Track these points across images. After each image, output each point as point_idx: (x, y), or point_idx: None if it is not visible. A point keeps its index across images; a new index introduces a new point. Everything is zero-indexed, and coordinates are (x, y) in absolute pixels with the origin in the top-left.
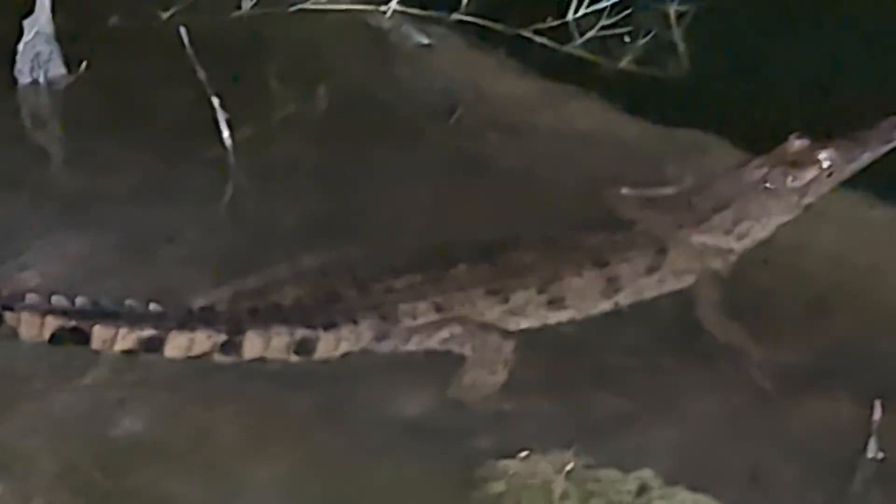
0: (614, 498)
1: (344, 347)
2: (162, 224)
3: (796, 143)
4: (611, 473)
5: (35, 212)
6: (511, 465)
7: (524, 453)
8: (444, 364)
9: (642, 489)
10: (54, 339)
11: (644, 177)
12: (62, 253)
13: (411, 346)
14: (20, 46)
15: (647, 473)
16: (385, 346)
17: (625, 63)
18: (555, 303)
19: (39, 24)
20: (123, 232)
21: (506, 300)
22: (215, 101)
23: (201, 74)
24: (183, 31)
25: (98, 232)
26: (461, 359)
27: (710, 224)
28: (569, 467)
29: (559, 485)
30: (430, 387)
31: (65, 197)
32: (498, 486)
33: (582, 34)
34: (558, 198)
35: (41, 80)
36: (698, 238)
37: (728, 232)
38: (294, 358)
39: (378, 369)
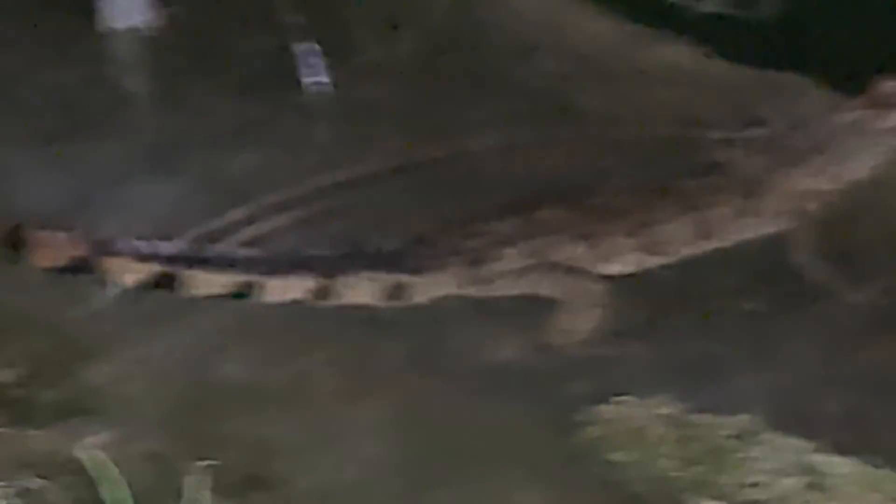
0: (712, 443)
1: (436, 292)
2: (250, 168)
3: (888, 85)
4: (708, 418)
5: (124, 158)
6: (608, 409)
7: (621, 398)
8: (536, 309)
9: (740, 434)
10: (148, 284)
11: (734, 120)
12: (152, 198)
13: (502, 290)
14: None
15: (744, 419)
16: (476, 291)
17: (711, 4)
18: (646, 247)
19: None
20: (212, 177)
21: (596, 245)
22: (302, 47)
23: (288, 18)
24: None
25: (187, 177)
26: (553, 304)
27: (803, 166)
28: (666, 412)
29: (656, 429)
30: (522, 332)
31: (154, 143)
32: (595, 431)
33: None
34: (646, 141)
35: (128, 25)
36: (791, 180)
37: (821, 173)
38: (386, 303)
39: (469, 314)
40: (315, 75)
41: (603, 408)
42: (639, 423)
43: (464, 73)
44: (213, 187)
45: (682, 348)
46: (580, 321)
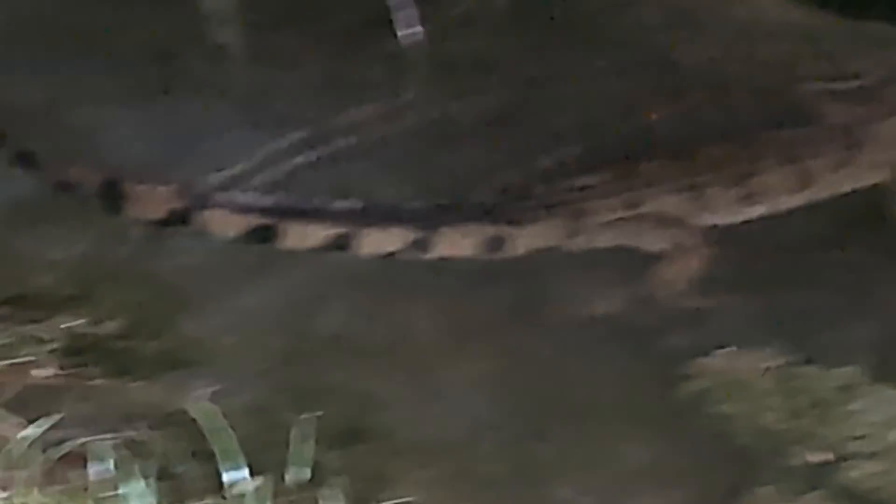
0: (818, 395)
1: (535, 245)
2: (344, 120)
3: None
4: (813, 370)
5: (218, 110)
6: (713, 362)
7: (725, 350)
8: (636, 261)
9: (846, 386)
10: (246, 236)
11: (832, 70)
12: (246, 150)
13: (602, 242)
14: None
15: (850, 370)
16: (575, 243)
17: None
18: (747, 198)
19: None
20: (306, 128)
21: (697, 196)
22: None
23: None
24: None
25: (281, 128)
26: (652, 256)
27: None
28: (771, 364)
29: (762, 382)
30: (622, 284)
31: (248, 96)
32: (700, 384)
33: None
34: (745, 92)
35: None
36: (891, 131)
37: None
38: (485, 255)
39: (569, 267)
40: (409, 27)
41: (706, 360)
42: (743, 375)
43: (560, 23)
44: (307, 140)
45: (783, 299)
46: (680, 273)
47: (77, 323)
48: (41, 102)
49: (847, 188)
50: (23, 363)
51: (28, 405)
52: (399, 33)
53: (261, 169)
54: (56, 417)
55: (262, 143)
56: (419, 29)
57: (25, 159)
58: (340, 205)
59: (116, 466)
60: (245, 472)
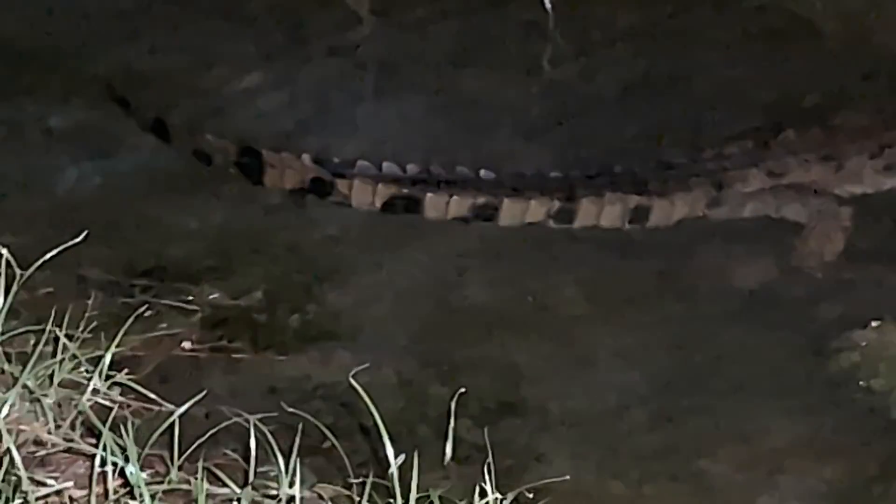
0: None
1: (678, 215)
2: (479, 89)
3: None
4: None
5: (349, 79)
6: (864, 334)
7: (876, 323)
8: (780, 232)
9: None
10: (387, 207)
11: None
12: (382, 118)
13: (745, 213)
14: None
15: None
16: (719, 214)
17: None
18: (890, 168)
19: None
20: (440, 96)
21: (840, 166)
22: None
23: None
24: None
25: (417, 95)
26: (797, 226)
27: None
28: None
29: None
30: (766, 255)
31: (383, 62)
32: (852, 357)
33: None
34: (884, 60)
35: None
36: None
37: None
38: (627, 226)
39: (712, 237)
40: None
41: (858, 333)
42: (895, 348)
43: None
44: (442, 107)
45: None
46: (826, 244)
47: (218, 295)
48: (172, 68)
49: None
50: (163, 336)
51: (169, 379)
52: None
53: (399, 137)
54: (200, 395)
55: (398, 111)
56: None
57: (159, 127)
58: (483, 175)
59: (260, 443)
60: (390, 448)
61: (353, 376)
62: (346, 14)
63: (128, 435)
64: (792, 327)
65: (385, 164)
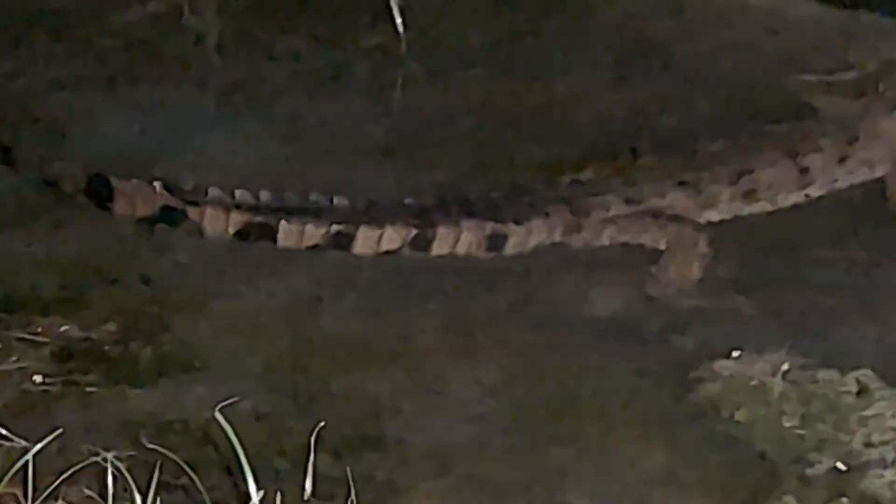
0: (834, 400)
1: (535, 242)
2: (328, 113)
3: None
4: (828, 374)
5: (199, 102)
6: (725, 365)
7: (737, 353)
8: (638, 259)
9: (862, 389)
10: (240, 235)
11: (826, 62)
12: (234, 144)
13: (603, 240)
14: None
15: (866, 373)
16: (576, 241)
17: None
18: (748, 195)
19: None
20: (290, 122)
21: (698, 192)
22: None
23: None
24: None
25: (268, 122)
26: (655, 254)
27: None
28: (785, 367)
29: (777, 386)
30: (625, 283)
31: (229, 87)
32: (714, 388)
33: None
34: (736, 83)
35: None
36: (890, 125)
37: None
38: (484, 253)
39: (571, 265)
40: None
41: (720, 363)
42: (757, 378)
43: (546, 10)
44: (294, 132)
45: (788, 299)
46: (684, 272)
47: (69, 327)
48: (15, 93)
49: (847, 184)
50: (13, 370)
51: (20, 414)
52: (395, 22)
53: (252, 164)
54: (55, 433)
55: (249, 137)
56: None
57: (5, 154)
58: (337, 202)
59: (118, 480)
60: (252, 483)
61: (211, 409)
62: (195, 37)
63: None
64: (652, 357)
65: (238, 192)
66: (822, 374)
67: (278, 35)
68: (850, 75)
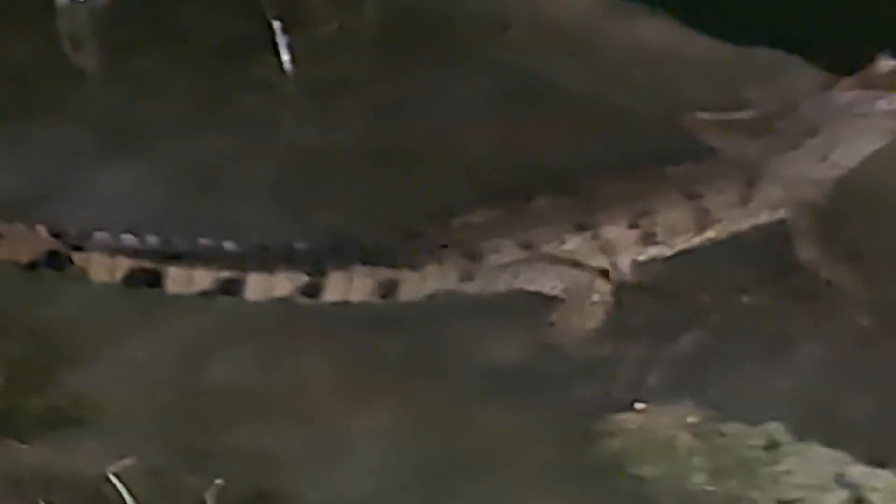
0: (742, 454)
1: (428, 288)
2: (214, 152)
3: (886, 64)
4: (736, 427)
5: (79, 140)
6: (629, 418)
7: (641, 405)
8: (534, 305)
9: (772, 444)
10: (127, 281)
11: (722, 99)
12: (116, 185)
13: (499, 286)
14: None
15: (775, 426)
16: (471, 287)
17: None
18: (646, 238)
19: None
20: (175, 161)
21: (595, 236)
22: (276, 24)
23: None
24: None
25: (151, 161)
26: (551, 300)
27: (801, 151)
28: (691, 420)
29: (683, 440)
30: (522, 330)
31: (106, 123)
32: (618, 441)
33: None
34: (631, 122)
35: None
36: (790, 166)
37: (821, 160)
38: (377, 300)
39: (466, 311)
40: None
41: (623, 416)
42: (663, 432)
43: (431, 47)
44: (179, 172)
45: (691, 347)
46: (582, 318)
47: None
48: None
49: (748, 226)
50: None
51: None
52: (282, 59)
53: (135, 205)
54: None
55: (132, 177)
56: (286, 54)
57: None
58: (225, 246)
59: None
60: None
61: (103, 464)
62: (71, 71)
63: None
64: (553, 407)
65: (124, 236)
66: (730, 428)
67: (156, 66)
68: (747, 114)
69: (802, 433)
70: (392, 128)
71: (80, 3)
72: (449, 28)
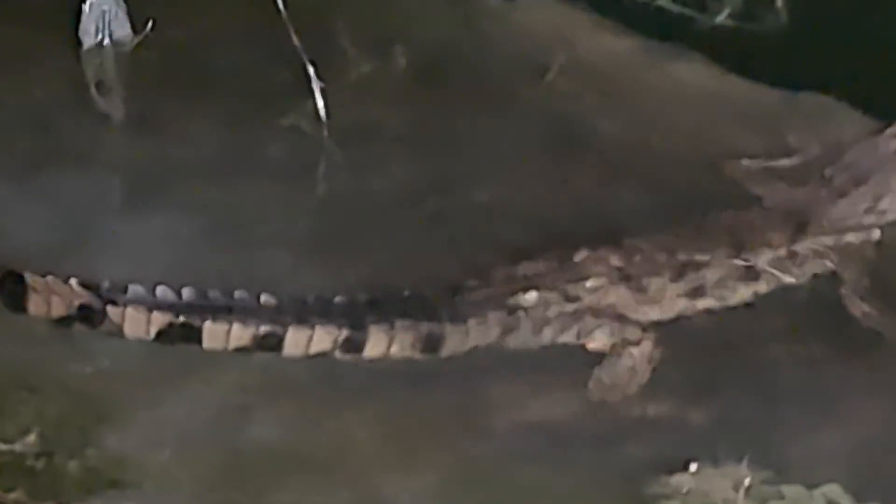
0: None
1: (471, 342)
2: (247, 201)
3: None
4: (794, 489)
5: (108, 189)
6: (683, 479)
7: (694, 466)
8: (579, 360)
9: None
10: (164, 337)
11: (765, 145)
12: (143, 237)
13: (542, 340)
14: (85, 6)
15: (832, 488)
16: (514, 341)
17: (722, 17)
18: (693, 291)
19: None
20: (208, 211)
21: (640, 289)
22: (310, 69)
23: (294, 39)
24: None
25: (181, 211)
26: (598, 355)
27: (850, 200)
28: (747, 483)
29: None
30: (567, 385)
31: (136, 171)
32: None
33: None
34: (672, 168)
35: (106, 41)
36: (839, 215)
37: (870, 209)
38: (419, 355)
39: (511, 367)
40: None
41: (677, 477)
42: (719, 494)
43: (467, 93)
44: (212, 222)
45: (740, 404)
46: (629, 375)
47: None
48: None
49: (797, 278)
50: None
51: None
52: (316, 105)
53: (167, 256)
54: None
55: (164, 227)
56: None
57: None
58: (264, 300)
59: None
60: None
61: None
62: (97, 116)
63: None
64: (602, 468)
65: (159, 289)
66: (789, 490)
67: (189, 117)
68: (793, 160)
69: (861, 494)
70: (430, 176)
71: (106, 45)
72: (486, 73)
